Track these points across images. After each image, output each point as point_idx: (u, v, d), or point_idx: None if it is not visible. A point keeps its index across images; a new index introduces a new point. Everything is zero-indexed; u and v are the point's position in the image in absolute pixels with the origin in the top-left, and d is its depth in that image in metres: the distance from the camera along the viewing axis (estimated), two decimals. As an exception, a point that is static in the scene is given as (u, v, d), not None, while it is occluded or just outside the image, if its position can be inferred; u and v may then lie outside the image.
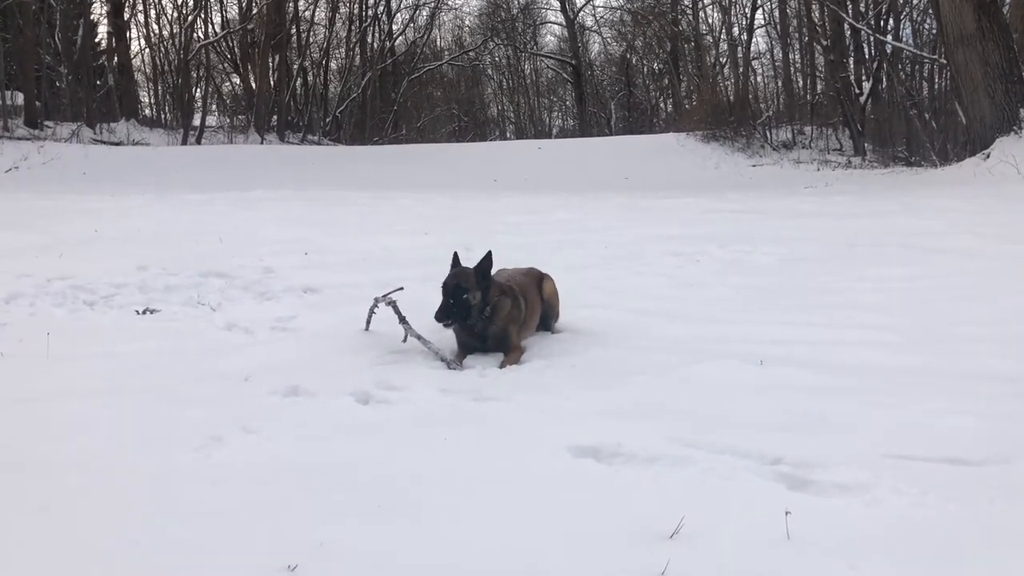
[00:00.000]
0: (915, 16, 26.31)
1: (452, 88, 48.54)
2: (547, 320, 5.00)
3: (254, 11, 31.93)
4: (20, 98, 26.27)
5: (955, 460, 2.82)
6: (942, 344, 4.45)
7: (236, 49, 34.11)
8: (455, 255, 4.67)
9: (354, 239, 9.00)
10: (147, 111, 34.19)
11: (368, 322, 4.79)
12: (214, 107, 34.82)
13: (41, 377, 3.96)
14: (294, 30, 33.53)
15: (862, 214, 11.26)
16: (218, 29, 33.89)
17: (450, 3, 42.70)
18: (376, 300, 4.72)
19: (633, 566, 2.12)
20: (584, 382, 3.82)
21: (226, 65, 35.75)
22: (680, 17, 36.44)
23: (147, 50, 35.33)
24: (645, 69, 44.44)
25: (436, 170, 22.10)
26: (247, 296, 6.09)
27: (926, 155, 20.09)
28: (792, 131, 25.67)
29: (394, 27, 38.95)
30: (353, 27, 36.03)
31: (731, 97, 28.97)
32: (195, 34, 31.47)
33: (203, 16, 32.73)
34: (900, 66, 25.36)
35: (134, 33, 34.26)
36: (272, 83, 31.32)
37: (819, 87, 29.09)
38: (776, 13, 30.67)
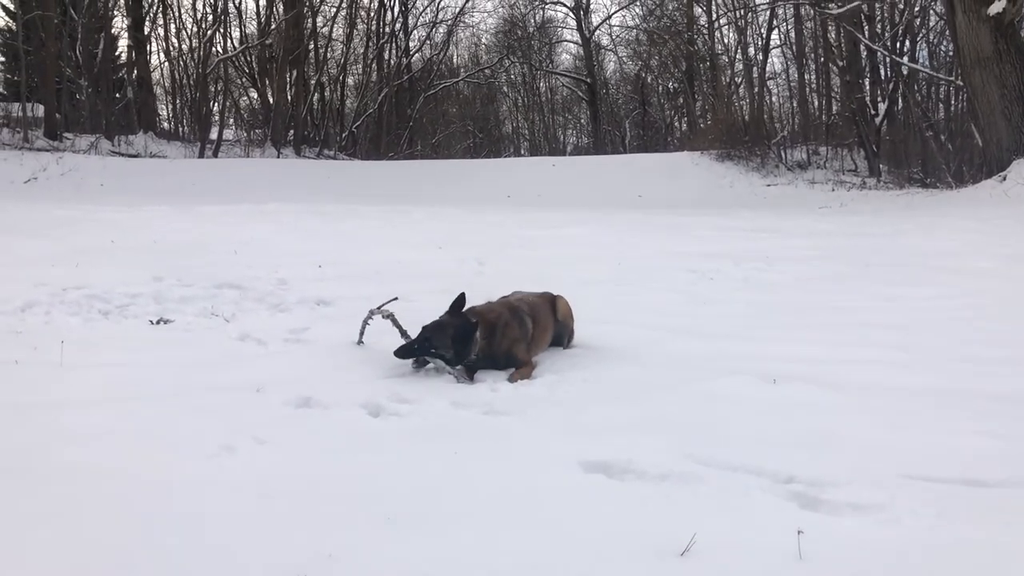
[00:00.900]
0: (931, 38, 26.28)
1: (467, 105, 48.72)
2: (561, 338, 4.98)
3: (272, 26, 32.19)
4: (40, 110, 26.56)
5: (971, 481, 2.79)
6: (958, 364, 4.42)
7: (254, 64, 34.37)
8: (461, 297, 4.45)
9: (368, 252, 9.03)
10: (165, 124, 34.45)
11: (361, 334, 4.78)
12: (231, 121, 35.03)
13: (54, 385, 3.97)
14: (312, 46, 33.76)
15: (877, 234, 11.23)
16: (237, 44, 34.15)
17: (467, 21, 42.95)
18: (371, 312, 4.71)
19: (644, 582, 2.11)
20: (596, 397, 3.81)
21: (244, 79, 36.02)
22: (696, 37, 36.50)
23: (166, 64, 35.65)
24: (660, 88, 44.51)
25: (450, 185, 22.17)
26: (261, 307, 6.11)
27: (942, 177, 20.01)
28: (807, 151, 25.61)
29: (411, 44, 39.19)
30: (370, 44, 36.26)
31: (746, 116, 28.94)
32: (214, 48, 31.75)
33: (222, 31, 33.00)
34: (916, 87, 25.31)
35: (154, 47, 34.64)
36: (289, 98, 31.53)
37: (834, 108, 29.03)
38: (792, 34, 30.66)
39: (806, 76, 30.72)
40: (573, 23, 45.51)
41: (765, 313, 6.04)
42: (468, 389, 4.04)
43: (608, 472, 2.85)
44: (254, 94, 36.15)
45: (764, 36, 31.77)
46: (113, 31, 31.51)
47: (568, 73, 47.81)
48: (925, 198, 17.83)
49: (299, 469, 2.92)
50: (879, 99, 25.09)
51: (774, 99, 34.24)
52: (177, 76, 34.95)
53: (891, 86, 25.02)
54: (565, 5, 44.88)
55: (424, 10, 39.22)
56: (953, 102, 25.59)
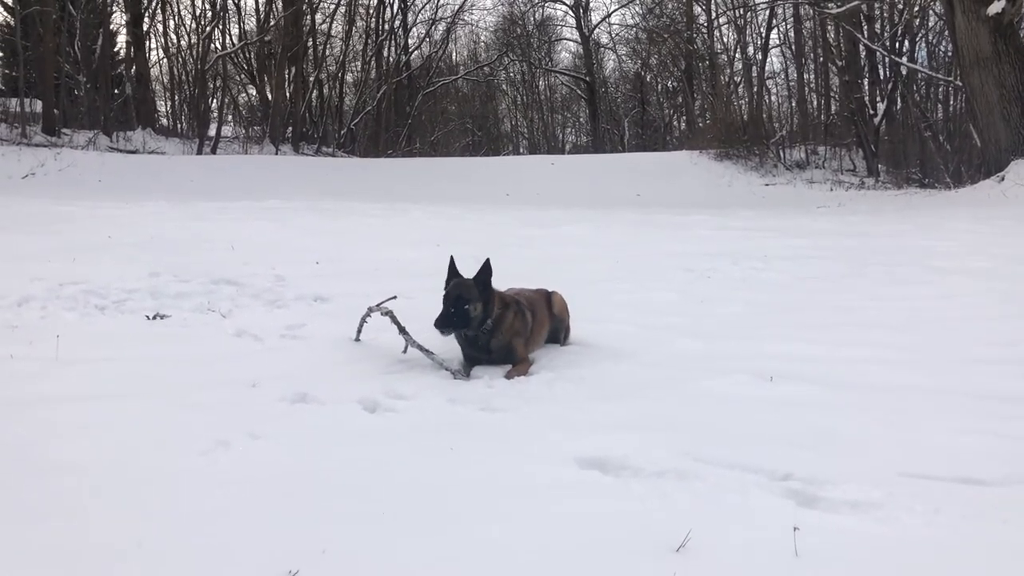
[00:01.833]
0: (931, 38, 26.30)
1: (466, 103, 48.75)
2: (557, 334, 4.97)
3: (272, 23, 32.17)
4: (39, 105, 26.51)
5: (968, 480, 2.78)
6: (955, 364, 4.41)
7: (253, 60, 34.34)
8: (451, 260, 4.59)
9: (366, 249, 9.02)
10: (164, 120, 34.41)
11: (359, 331, 4.78)
12: (230, 117, 35.06)
13: (50, 380, 3.96)
14: (311, 43, 33.75)
15: (875, 234, 11.22)
16: (235, 40, 34.14)
17: (466, 18, 42.94)
18: (369, 310, 4.70)
19: (639, 579, 2.10)
20: (593, 395, 3.80)
21: (243, 76, 36.00)
22: (695, 36, 36.51)
23: (165, 60, 35.65)
24: (659, 87, 44.54)
25: (449, 183, 22.15)
26: (257, 304, 6.10)
27: (940, 177, 20.03)
28: (806, 151, 25.63)
29: (410, 41, 39.21)
30: (369, 41, 36.26)
31: (745, 116, 28.96)
32: (212, 45, 31.73)
33: (221, 27, 32.99)
34: (915, 87, 25.33)
35: (153, 43, 34.64)
36: (288, 95, 31.51)
37: (833, 107, 29.07)
38: (791, 33, 30.69)
39: (805, 76, 30.75)
40: (572, 21, 45.59)
41: (763, 312, 6.03)
42: (464, 386, 4.03)
43: (604, 469, 2.85)
44: (253, 91, 36.16)
45: (763, 35, 31.80)
46: (112, 27, 31.50)
47: (567, 71, 47.83)
48: (923, 198, 17.84)
49: (294, 465, 2.91)
50: (878, 99, 25.12)
51: (773, 98, 34.29)
52: (176, 72, 34.94)
53: (890, 86, 25.05)
54: (564, 3, 44.95)
55: (423, 7, 39.29)
56: (952, 102, 25.63)
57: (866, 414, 3.51)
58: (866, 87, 25.58)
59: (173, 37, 35.14)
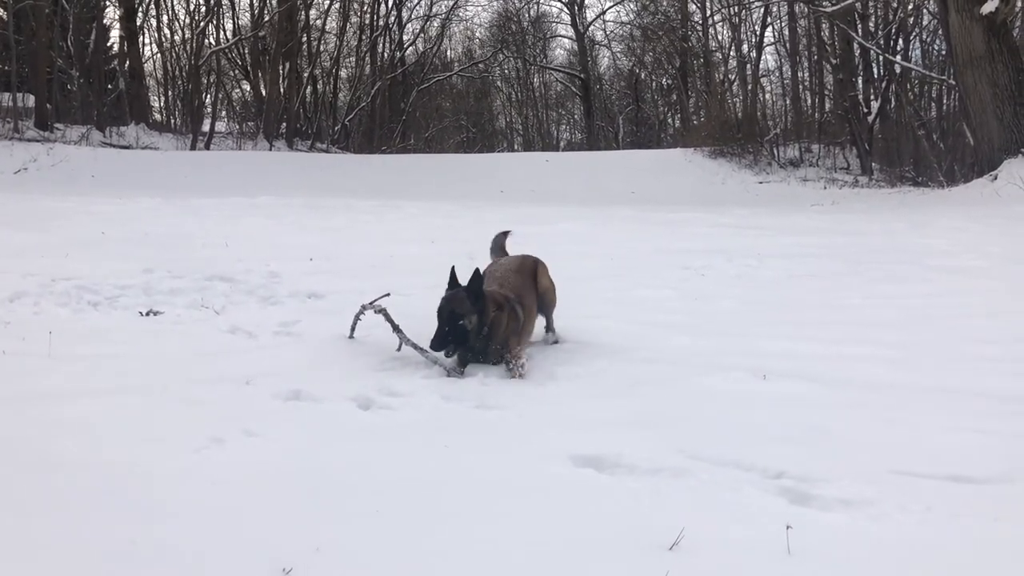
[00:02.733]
0: (925, 37, 26.36)
1: (461, 99, 48.70)
2: (544, 308, 4.98)
3: (266, 19, 32.08)
4: (31, 100, 26.40)
5: (960, 478, 2.79)
6: (947, 362, 4.43)
7: (247, 56, 34.24)
8: (452, 272, 4.50)
9: (360, 246, 9.01)
10: (157, 115, 34.33)
11: (352, 329, 4.77)
12: (224, 113, 34.93)
13: (42, 376, 3.95)
14: (305, 38, 33.65)
15: (869, 232, 11.25)
16: (230, 36, 34.06)
17: (461, 15, 42.84)
18: (363, 307, 4.70)
19: (632, 576, 2.10)
20: (588, 392, 3.81)
21: (237, 72, 35.90)
22: (690, 33, 36.54)
23: (159, 55, 35.55)
24: (654, 84, 44.54)
25: (443, 180, 22.15)
26: (251, 300, 6.09)
27: (933, 175, 20.08)
28: (800, 149, 25.67)
29: (405, 37, 39.14)
30: (364, 37, 36.15)
31: (739, 114, 29.01)
32: (207, 40, 31.63)
33: (215, 23, 32.91)
34: (909, 86, 25.38)
35: (146, 38, 34.52)
36: (282, 90, 31.42)
37: (827, 106, 29.11)
38: (786, 31, 30.73)
39: (799, 74, 30.80)
40: (567, 18, 45.55)
41: (757, 309, 6.04)
42: (460, 384, 4.02)
43: (598, 466, 2.85)
44: (247, 86, 36.05)
45: (758, 33, 31.88)
46: (105, 21, 31.31)
47: (562, 68, 47.81)
48: (917, 196, 17.89)
49: (288, 462, 2.91)
50: (872, 97, 25.17)
51: (767, 96, 34.36)
52: (169, 68, 34.89)
53: (884, 84, 25.09)
54: (560, 0, 44.88)
55: (418, 3, 39.19)
56: (945, 101, 25.68)
57: (859, 412, 3.52)
58: (860, 85, 25.65)
59: (167, 32, 35.11)
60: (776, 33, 32.33)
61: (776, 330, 5.26)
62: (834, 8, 21.42)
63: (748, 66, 32.08)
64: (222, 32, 34.06)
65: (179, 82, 34.15)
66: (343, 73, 37.62)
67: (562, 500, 2.59)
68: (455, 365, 4.29)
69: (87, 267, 6.68)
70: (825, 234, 11.04)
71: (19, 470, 2.76)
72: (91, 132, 25.42)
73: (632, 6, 41.58)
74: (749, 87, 31.54)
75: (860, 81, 25.82)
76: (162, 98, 36.32)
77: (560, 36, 48.37)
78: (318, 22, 34.70)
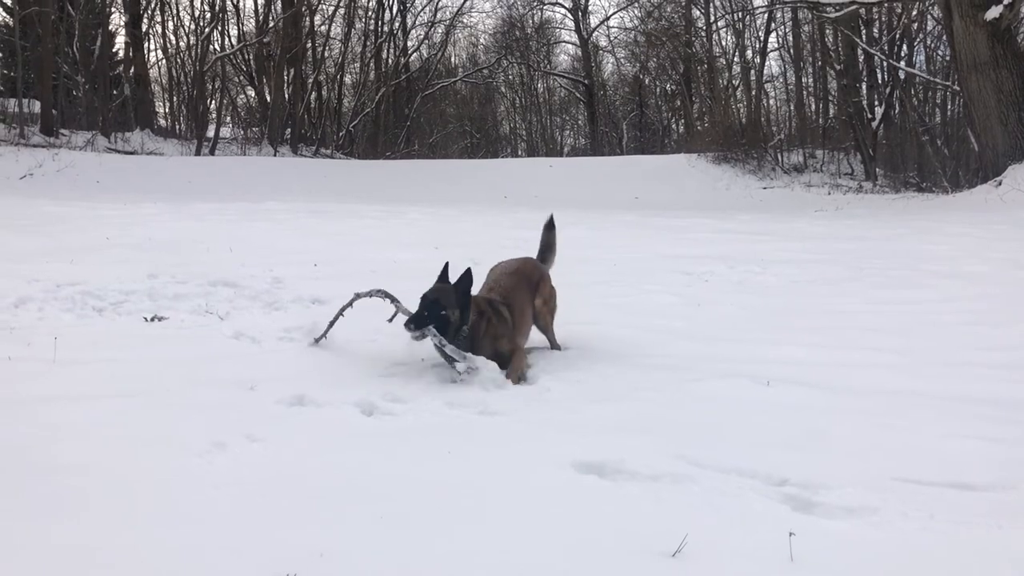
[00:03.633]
0: (929, 42, 26.33)
1: (465, 105, 48.79)
2: (541, 319, 4.93)
3: (271, 25, 32.19)
4: (37, 106, 26.51)
5: (962, 485, 2.80)
6: (950, 368, 4.43)
7: (252, 62, 34.36)
8: (445, 267, 4.54)
9: (364, 251, 9.02)
10: (162, 121, 34.42)
11: (331, 325, 4.71)
12: (228, 119, 35.05)
13: (48, 381, 3.95)
14: (310, 44, 33.76)
15: (872, 238, 11.24)
16: (235, 42, 34.16)
17: (465, 21, 42.94)
18: (357, 295, 4.64)
19: (634, 583, 2.11)
20: (590, 398, 3.81)
21: (241, 77, 36.01)
22: (694, 39, 36.58)
23: (164, 61, 35.67)
24: (658, 90, 44.57)
25: (447, 186, 22.18)
26: (255, 305, 6.10)
27: (937, 181, 20.07)
28: (803, 154, 25.66)
29: (409, 43, 39.22)
30: (368, 43, 36.29)
31: (743, 119, 29.02)
32: (211, 46, 31.76)
33: (220, 29, 33.01)
34: (913, 92, 25.38)
35: (151, 44, 34.63)
36: (287, 96, 31.52)
37: (831, 111, 29.13)
38: (790, 37, 30.76)
39: (803, 79, 30.82)
40: (571, 24, 45.67)
41: (759, 315, 6.04)
42: (462, 389, 4.02)
43: (601, 472, 2.86)
44: (251, 92, 36.17)
45: (762, 39, 31.92)
46: (111, 28, 31.49)
47: (566, 74, 47.89)
48: (921, 202, 17.87)
49: (291, 467, 2.92)
50: (876, 103, 25.16)
51: (771, 102, 34.35)
52: (174, 73, 34.97)
53: (888, 90, 25.09)
54: (563, 6, 45.00)
55: (422, 10, 39.28)
56: (950, 107, 25.67)
57: (861, 418, 3.52)
58: (864, 91, 25.62)
59: (172, 38, 35.20)
60: (780, 39, 32.40)
61: (778, 336, 5.26)
62: (838, 13, 21.43)
63: (752, 72, 32.12)
64: (227, 38, 34.19)
65: (184, 88, 34.24)
66: (347, 79, 37.76)
67: (564, 506, 2.59)
68: (467, 368, 4.22)
69: (92, 272, 6.70)
70: (828, 240, 11.04)
71: (22, 474, 2.77)
72: (96, 138, 25.50)
73: (636, 12, 41.68)
74: (753, 93, 31.58)
75: (864, 87, 25.80)
76: (167, 104, 36.41)
77: (564, 42, 48.49)
78: (323, 28, 34.85)
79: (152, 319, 5.50)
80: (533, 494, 2.69)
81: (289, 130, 31.51)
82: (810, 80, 31.11)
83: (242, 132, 33.57)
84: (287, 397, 3.75)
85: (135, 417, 3.43)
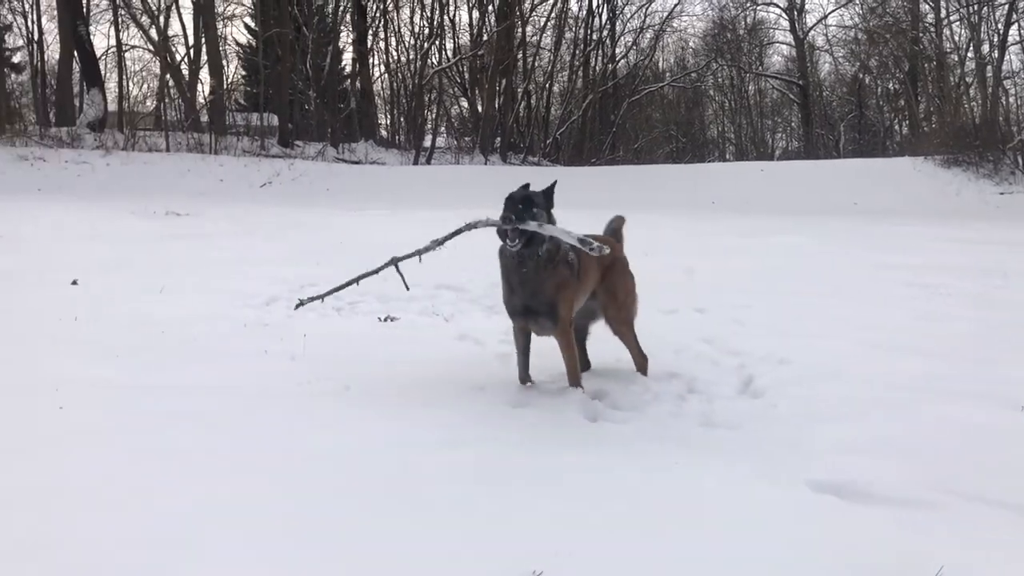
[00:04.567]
0: None
1: (672, 109, 48.24)
2: (607, 312, 4.33)
3: (484, 38, 33.31)
4: (275, 120, 28.96)
5: None
6: None
7: (466, 74, 35.73)
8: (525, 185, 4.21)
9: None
10: (384, 132, 36.51)
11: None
12: (443, 129, 36.63)
13: (297, 375, 4.32)
14: (520, 55, 34.63)
15: None
16: (450, 55, 35.65)
17: (675, 25, 42.41)
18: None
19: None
20: (820, 416, 3.67)
21: (456, 89, 37.52)
22: (921, 35, 34.24)
23: (386, 75, 37.81)
24: (879, 90, 42.14)
25: (653, 191, 22.06)
26: (476, 309, 6.39)
27: None
28: (1049, 156, 23.38)
29: (617, 50, 39.30)
30: (577, 51, 36.72)
31: (977, 119, 26.84)
32: (429, 60, 33.32)
33: (437, 44, 34.57)
34: None
35: (375, 60, 36.81)
36: (497, 106, 32.51)
37: (1083, 108, 26.35)
38: (1034, 28, 28.13)
39: (1050, 74, 28.06)
40: (786, 24, 44.10)
41: (1003, 333, 5.59)
42: (683, 402, 3.98)
43: (839, 493, 2.75)
44: (464, 103, 37.58)
45: (1000, 32, 29.36)
46: (340, 45, 33.77)
47: (779, 75, 46.30)
48: None
49: (520, 463, 3.02)
50: None
51: (1010, 100, 31.50)
52: (395, 87, 36.98)
53: None
54: (778, 6, 43.55)
55: (632, 16, 39.19)
56: None
57: None
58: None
59: (394, 53, 37.23)
60: (1021, 31, 29.69)
61: (1027, 357, 4.85)
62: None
63: (988, 68, 29.62)
64: (443, 52, 35.73)
65: (403, 100, 36.17)
66: (555, 87, 38.36)
67: (802, 527, 2.53)
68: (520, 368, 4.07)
69: (330, 274, 7.23)
70: (1082, 251, 10.03)
71: (277, 459, 3.03)
72: (326, 148, 27.47)
73: (857, 9, 39.57)
74: (989, 90, 29.12)
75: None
76: (388, 116, 38.62)
77: (777, 42, 46.87)
78: (534, 39, 35.62)
79: (385, 319, 5.89)
80: (768, 512, 2.63)
81: (499, 139, 32.47)
82: (1058, 74, 28.30)
83: (455, 142, 34.98)
84: (513, 399, 3.91)
85: (376, 411, 3.67)
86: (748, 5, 43.13)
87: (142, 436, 3.23)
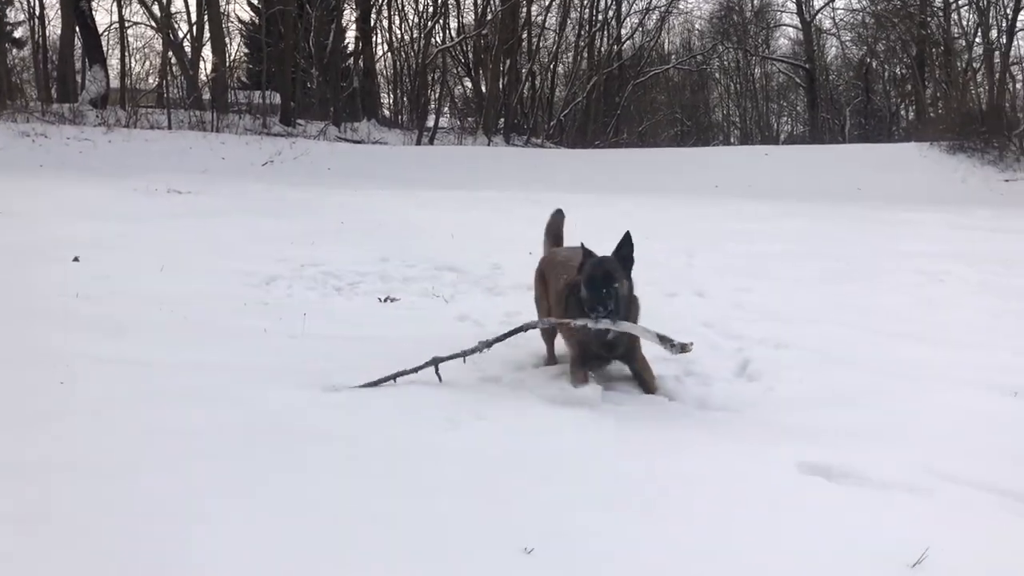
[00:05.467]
0: None
1: (677, 92, 48.00)
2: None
3: (489, 17, 33.13)
4: (277, 98, 28.85)
5: None
6: None
7: (470, 54, 35.55)
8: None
9: (573, 241, 9.15)
10: (386, 112, 36.41)
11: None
12: (446, 109, 36.50)
13: (296, 353, 4.33)
14: (525, 35, 34.44)
15: None
16: (455, 35, 35.46)
17: (681, 7, 42.14)
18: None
19: (871, 591, 2.05)
20: (817, 400, 3.70)
21: (459, 69, 37.35)
22: (929, 19, 34.00)
23: (389, 54, 37.64)
24: (886, 74, 41.91)
25: (657, 174, 21.98)
26: (477, 290, 6.40)
27: None
28: (1055, 143, 23.25)
29: (623, 32, 39.06)
30: (582, 32, 36.50)
31: (983, 105, 26.70)
32: (433, 39, 33.15)
33: (441, 23, 34.39)
34: None
35: (378, 38, 36.64)
36: (501, 87, 32.37)
37: (1091, 94, 26.20)
38: (1042, 13, 27.93)
39: (1058, 60, 27.89)
40: (793, 7, 43.79)
41: (1004, 321, 5.59)
42: (679, 384, 4.00)
43: (828, 475, 2.78)
44: (468, 83, 37.42)
45: (1009, 17, 29.17)
46: (343, 23, 33.57)
47: (785, 59, 46.03)
48: None
49: (516, 445, 3.04)
50: None
51: (1017, 86, 31.33)
52: (399, 66, 36.82)
53: None
54: (785, -12, 43.16)
55: (638, -3, 38.88)
56: None
57: None
58: None
59: (397, 32, 37.04)
60: (1030, 15, 29.46)
61: (1026, 344, 4.85)
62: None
63: (996, 53, 29.44)
64: (447, 31, 35.54)
65: (406, 80, 36.04)
66: (560, 69, 38.18)
67: (790, 507, 2.55)
68: (572, 374, 3.89)
69: (331, 254, 7.27)
70: (1085, 239, 10.00)
71: (280, 440, 3.03)
72: (328, 127, 27.37)
73: (865, -8, 39.25)
74: (996, 76, 28.96)
75: None
76: (391, 95, 38.47)
77: (784, 25, 46.57)
78: (539, 18, 35.41)
79: (385, 300, 5.89)
80: (757, 494, 2.65)
81: (503, 120, 32.35)
82: (1066, 61, 28.14)
83: (458, 122, 34.86)
84: (512, 381, 3.92)
85: (376, 390, 3.69)
86: (756, -13, 42.85)
87: (148, 411, 3.25)
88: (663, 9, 39.51)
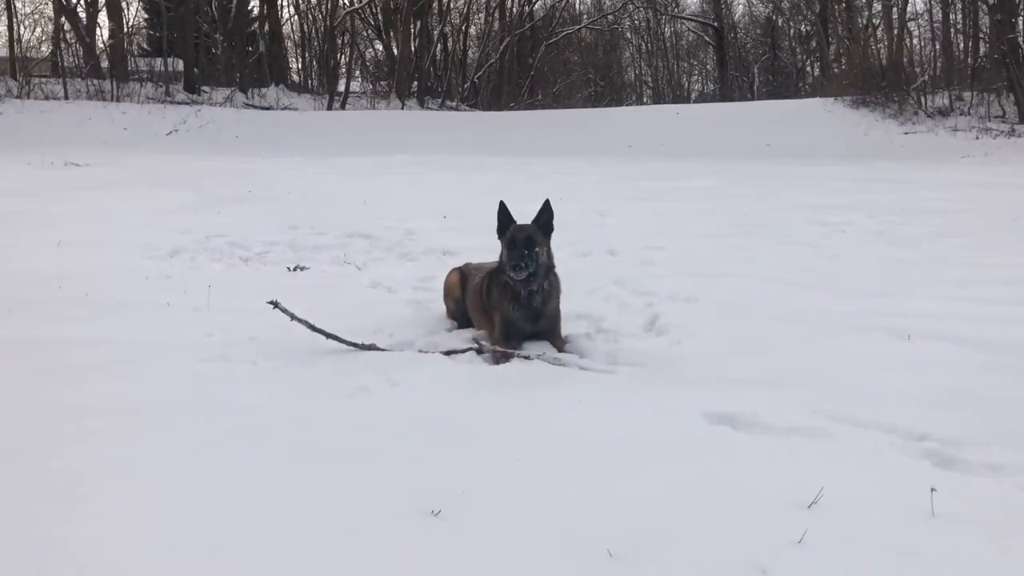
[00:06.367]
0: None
1: (589, 52, 48.09)
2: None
3: (398, -23, 32.48)
4: (180, 65, 27.83)
5: (1121, 446, 2.65)
6: (1112, 325, 4.16)
7: (379, 15, 34.86)
8: (502, 206, 4.26)
9: (490, 204, 9.11)
10: (295, 77, 35.50)
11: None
12: (357, 73, 35.82)
13: (200, 326, 4.22)
14: (436, -4, 33.93)
15: (1026, 185, 10.57)
16: (363, -5, 34.67)
17: (591, -34, 42.05)
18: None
19: (770, 533, 2.11)
20: (720, 351, 3.78)
21: (369, 31, 36.63)
22: (831, -24, 34.75)
23: (296, 17, 36.63)
24: (791, 31, 42.78)
25: (571, 136, 22.07)
26: (390, 256, 6.33)
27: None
28: (949, 97, 24.16)
29: (533, -9, 38.78)
30: (493, -8, 36.14)
31: (883, 60, 27.51)
32: (341, 1, 32.36)
33: (349, -17, 33.55)
34: (1076, 26, 23.39)
35: (284, 1, 35.61)
36: (413, 49, 31.88)
37: (982, 49, 27.19)
38: (937, -30, 28.82)
39: (951, 16, 28.86)
40: (701, -35, 44.11)
41: (900, 268, 5.82)
42: (589, 342, 4.04)
43: (734, 424, 2.85)
44: (379, 46, 36.75)
45: (906, -26, 29.97)
46: (246, -15, 32.48)
47: (694, 17, 46.50)
48: (1082, 146, 16.61)
49: (431, 410, 3.03)
50: (1033, 39, 23.31)
51: (915, 41, 32.37)
52: (306, 29, 35.87)
53: (1048, 24, 23.20)
54: (693, -54, 43.48)
55: (548, -44, 38.65)
56: (1119, 41, 23.50)
57: (1007, 375, 3.38)
58: (1021, 26, 23.77)
59: (304, -6, 35.99)
60: (926, -27, 30.38)
61: (920, 290, 5.06)
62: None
63: (894, 10, 30.31)
64: (356, -8, 34.70)
65: (315, 43, 35.16)
66: (472, 30, 37.81)
67: (697, 457, 2.61)
68: (491, 345, 3.88)
69: (237, 224, 7.08)
70: (977, 188, 10.45)
71: (175, 413, 2.96)
72: (235, 94, 26.59)
73: (770, -50, 39.87)
74: (895, 32, 29.84)
75: (1020, 22, 23.93)
76: (299, 60, 37.50)
77: (692, -17, 46.99)
78: (448, -21, 34.88)
79: (294, 269, 5.78)
80: (664, 444, 2.70)
81: (416, 83, 31.91)
82: (958, 16, 29.13)
83: (371, 86, 34.25)
84: (422, 344, 3.90)
85: (285, 362, 3.62)
86: (664, -55, 43.06)
87: (41, 390, 3.12)
88: (573, -32, 39.39)
